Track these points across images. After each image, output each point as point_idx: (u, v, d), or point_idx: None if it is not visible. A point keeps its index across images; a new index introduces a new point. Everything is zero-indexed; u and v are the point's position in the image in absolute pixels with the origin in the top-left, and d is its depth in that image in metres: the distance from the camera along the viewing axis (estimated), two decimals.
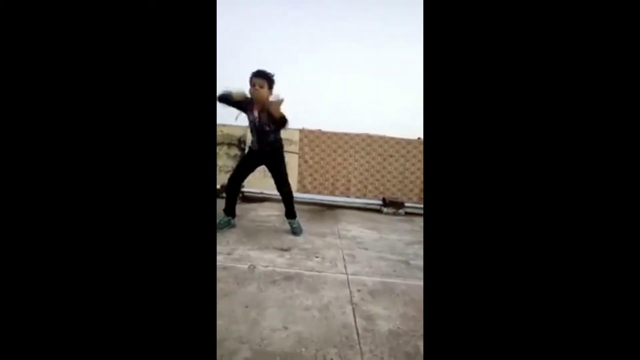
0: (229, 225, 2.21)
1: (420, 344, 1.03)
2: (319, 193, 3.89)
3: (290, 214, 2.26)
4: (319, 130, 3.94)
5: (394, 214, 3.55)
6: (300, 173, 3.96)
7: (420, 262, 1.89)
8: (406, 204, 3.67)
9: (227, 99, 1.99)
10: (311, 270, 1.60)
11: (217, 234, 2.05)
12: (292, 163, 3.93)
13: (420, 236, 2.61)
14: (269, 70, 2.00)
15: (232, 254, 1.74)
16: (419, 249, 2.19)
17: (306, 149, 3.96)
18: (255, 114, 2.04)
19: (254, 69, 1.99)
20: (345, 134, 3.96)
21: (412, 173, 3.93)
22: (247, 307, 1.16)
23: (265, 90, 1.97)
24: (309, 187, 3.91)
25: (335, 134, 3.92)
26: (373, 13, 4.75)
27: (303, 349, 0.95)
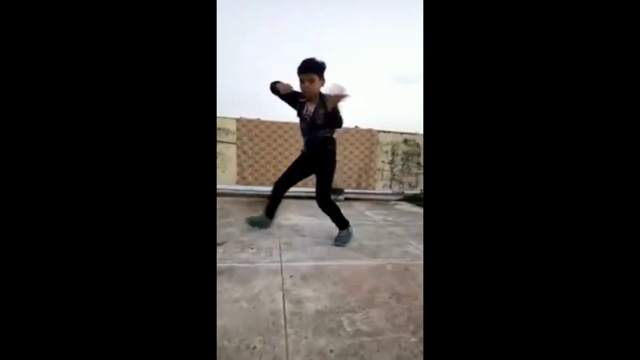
0: (262, 224, 2.08)
1: (344, 318, 1.09)
2: (261, 184, 3.81)
3: (340, 224, 2.01)
4: (258, 119, 3.82)
5: (334, 200, 3.67)
6: (239, 164, 3.81)
7: (353, 244, 2.00)
8: (345, 190, 3.82)
9: (276, 91, 1.82)
10: (245, 262, 1.57)
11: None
12: (229, 154, 3.76)
13: (356, 220, 2.75)
14: (317, 58, 1.74)
15: None
16: (354, 232, 2.31)
17: (244, 138, 3.82)
18: (310, 108, 1.81)
19: (300, 62, 1.74)
20: (285, 123, 3.92)
21: (350, 160, 4.09)
22: None
23: (316, 83, 1.75)
24: (250, 178, 3.80)
25: (274, 122, 3.85)
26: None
27: (226, 342, 0.93)
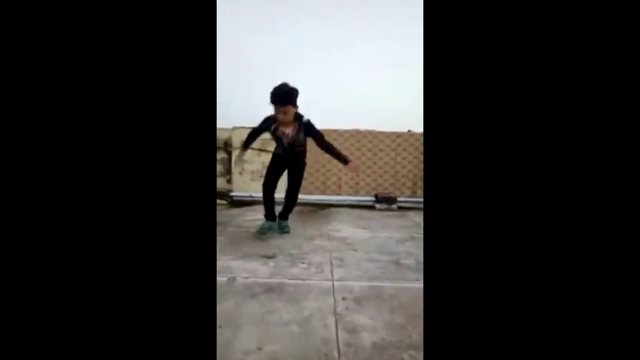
0: (272, 229, 2.23)
1: (406, 356, 0.95)
2: (310, 193, 3.81)
3: (286, 215, 2.35)
4: None
5: (387, 209, 3.48)
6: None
7: (410, 261, 1.82)
8: (399, 199, 3.59)
9: (253, 136, 2.15)
10: (295, 279, 1.52)
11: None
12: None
13: (411, 232, 2.54)
14: (285, 85, 1.95)
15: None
16: (410, 247, 2.12)
17: None
18: (286, 131, 2.08)
19: (271, 91, 1.95)
20: (334, 131, 3.87)
21: (404, 167, 3.86)
22: (220, 327, 1.08)
23: (290, 111, 1.98)
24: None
25: (323, 131, 3.83)
26: (355, 9, 4.64)
27: None
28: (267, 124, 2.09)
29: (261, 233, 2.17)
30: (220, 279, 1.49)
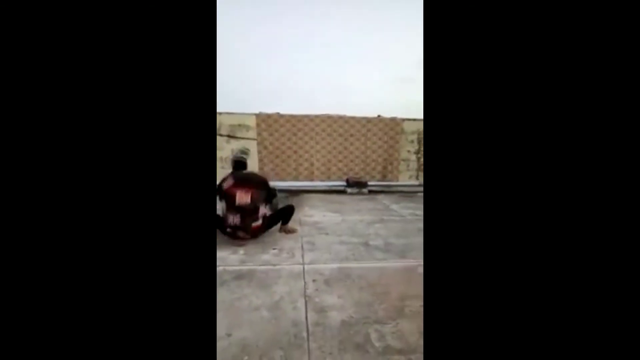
0: None
1: (371, 330, 1.00)
2: (282, 179, 3.78)
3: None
4: (277, 113, 3.76)
5: (358, 193, 3.55)
6: (260, 160, 3.79)
7: (379, 242, 1.89)
8: (369, 183, 3.68)
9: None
10: (266, 265, 1.52)
11: None
12: (250, 149, 3.74)
13: (381, 215, 2.63)
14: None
15: None
16: (379, 228, 2.20)
17: (264, 134, 3.78)
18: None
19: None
20: (305, 116, 3.82)
21: (374, 152, 3.93)
22: None
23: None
24: (271, 174, 3.77)
25: (293, 116, 3.77)
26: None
27: (246, 357, 0.88)
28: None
29: None
30: None
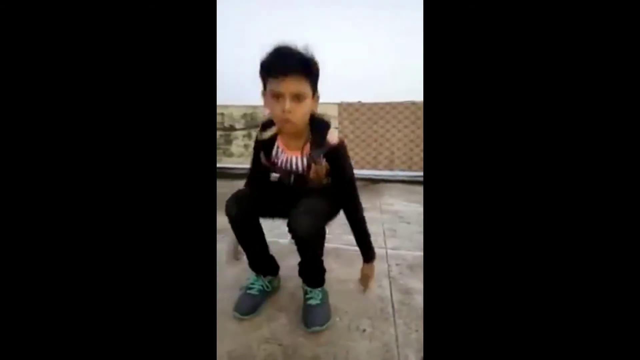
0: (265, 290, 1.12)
1: None
2: (361, 168, 3.83)
3: (311, 278, 1.07)
4: (359, 102, 3.80)
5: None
6: None
7: None
8: None
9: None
10: (350, 244, 1.63)
11: None
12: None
13: None
14: (300, 49, 0.82)
15: (272, 230, 1.85)
16: None
17: (346, 122, 3.88)
18: (293, 158, 1.00)
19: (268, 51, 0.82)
20: (387, 104, 3.75)
21: None
22: (285, 280, 1.25)
23: (307, 103, 0.85)
24: (353, 162, 3.86)
25: (375, 104, 3.74)
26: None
27: (337, 319, 1.00)
28: (258, 148, 1.05)
29: (240, 311, 1.00)
30: (283, 241, 1.66)
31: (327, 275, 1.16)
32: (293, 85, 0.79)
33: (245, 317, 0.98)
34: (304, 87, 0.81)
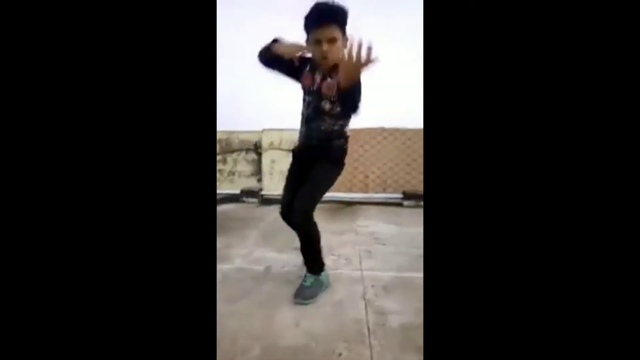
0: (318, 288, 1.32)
1: None
2: (337, 190, 3.90)
3: (312, 261, 1.33)
4: None
5: (415, 206, 3.47)
6: None
7: None
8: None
9: (271, 57, 1.19)
10: (328, 268, 1.62)
11: (238, 237, 2.13)
12: None
13: None
14: (331, 2, 1.07)
15: (249, 256, 1.81)
16: None
17: None
18: (317, 79, 1.19)
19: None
20: (360, 129, 3.93)
21: None
22: (261, 306, 1.21)
23: (339, 43, 1.10)
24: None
25: (350, 130, 3.91)
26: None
27: (313, 344, 0.98)
28: (300, 69, 1.23)
29: (306, 297, 1.25)
30: (258, 268, 1.63)
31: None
32: (328, 32, 1.07)
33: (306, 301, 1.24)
34: (336, 32, 1.08)
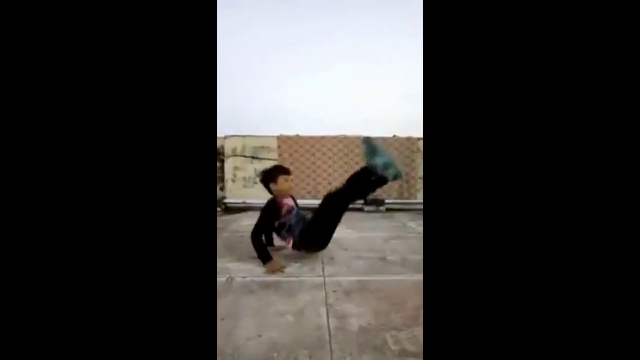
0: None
1: (388, 335, 1.08)
2: (302, 198, 3.93)
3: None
4: (297, 135, 3.98)
5: (375, 211, 3.63)
6: None
7: (396, 257, 1.96)
8: (386, 201, 3.76)
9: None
10: (289, 277, 1.64)
11: None
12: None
13: (398, 232, 2.69)
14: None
15: None
16: (397, 244, 2.27)
17: (285, 155, 4.00)
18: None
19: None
20: (322, 137, 4.02)
21: None
22: (222, 319, 1.19)
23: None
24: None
25: (312, 137, 3.98)
26: (348, 15, 4.83)
27: (275, 354, 0.99)
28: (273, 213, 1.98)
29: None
30: (220, 279, 1.59)
31: (266, 309, 1.25)
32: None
33: None
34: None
